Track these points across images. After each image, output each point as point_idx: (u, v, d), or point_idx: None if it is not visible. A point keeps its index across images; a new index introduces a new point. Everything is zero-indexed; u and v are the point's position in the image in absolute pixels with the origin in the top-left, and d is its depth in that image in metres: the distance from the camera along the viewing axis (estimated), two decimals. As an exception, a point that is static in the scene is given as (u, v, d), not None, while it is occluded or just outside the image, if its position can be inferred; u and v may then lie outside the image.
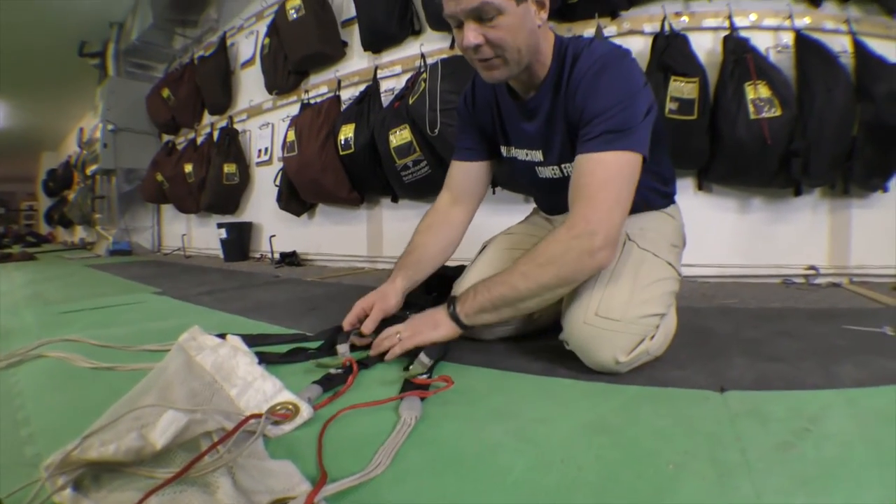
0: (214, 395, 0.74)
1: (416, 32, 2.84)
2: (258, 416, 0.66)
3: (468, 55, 0.97)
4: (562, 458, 0.63)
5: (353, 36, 3.12)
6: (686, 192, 2.17)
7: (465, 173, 1.28)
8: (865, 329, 1.23)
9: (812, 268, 2.05)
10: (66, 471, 0.52)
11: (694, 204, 2.15)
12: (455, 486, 0.58)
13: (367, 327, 1.10)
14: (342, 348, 1.01)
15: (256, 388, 0.77)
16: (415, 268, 1.23)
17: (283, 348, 1.11)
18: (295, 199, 3.34)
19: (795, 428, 0.69)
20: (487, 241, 1.36)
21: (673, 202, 1.26)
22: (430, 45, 2.72)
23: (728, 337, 1.21)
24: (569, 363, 0.97)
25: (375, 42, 2.94)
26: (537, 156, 1.15)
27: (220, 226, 3.89)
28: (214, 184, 3.94)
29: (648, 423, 0.72)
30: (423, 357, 0.92)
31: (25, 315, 1.74)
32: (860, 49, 1.93)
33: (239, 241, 3.92)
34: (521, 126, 1.13)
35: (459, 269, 1.40)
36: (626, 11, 2.23)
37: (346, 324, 1.12)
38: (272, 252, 3.64)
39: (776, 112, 1.84)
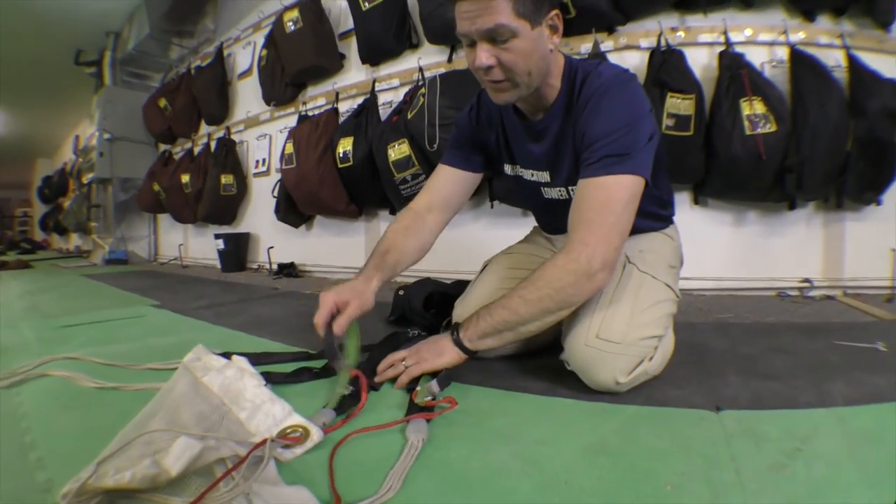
0: (224, 418, 0.75)
1: (414, 46, 2.86)
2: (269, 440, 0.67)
3: (479, 75, 0.98)
4: (565, 480, 0.64)
5: (351, 48, 3.13)
6: (682, 206, 2.19)
7: (451, 180, 1.27)
8: (858, 345, 1.25)
9: (806, 280, 2.07)
10: (83, 499, 0.53)
11: (690, 218, 2.18)
12: (464, 509, 0.59)
13: (340, 326, 1.02)
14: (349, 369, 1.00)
15: (266, 411, 0.78)
16: (391, 270, 1.18)
17: (288, 368, 1.11)
18: (293, 210, 3.35)
19: (787, 448, 0.71)
20: (488, 260, 1.37)
21: (671, 223, 1.27)
22: (428, 59, 2.75)
23: (724, 353, 1.23)
24: (569, 383, 0.99)
25: (373, 55, 2.95)
26: (544, 177, 1.15)
27: (217, 237, 3.88)
28: (211, 194, 3.95)
29: (647, 444, 0.74)
30: (433, 386, 0.93)
31: (24, 329, 1.72)
32: (854, 64, 1.94)
33: (236, 251, 3.92)
34: (527, 147, 1.14)
35: (461, 286, 1.41)
36: (622, 27, 2.26)
37: (320, 325, 1.03)
38: (270, 263, 3.64)
39: (771, 128, 1.86)
